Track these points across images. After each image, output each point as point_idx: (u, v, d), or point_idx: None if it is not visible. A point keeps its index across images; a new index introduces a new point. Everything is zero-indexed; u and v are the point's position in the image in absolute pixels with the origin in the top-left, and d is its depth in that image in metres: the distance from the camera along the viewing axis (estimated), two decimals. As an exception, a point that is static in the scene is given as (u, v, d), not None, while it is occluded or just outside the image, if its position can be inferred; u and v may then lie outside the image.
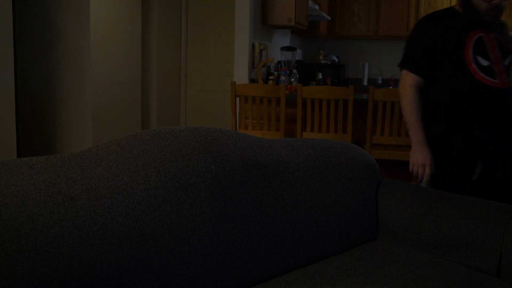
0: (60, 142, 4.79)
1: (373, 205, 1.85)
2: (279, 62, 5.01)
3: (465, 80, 1.93)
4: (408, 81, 2.05)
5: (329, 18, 5.86)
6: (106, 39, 4.77)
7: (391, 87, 6.14)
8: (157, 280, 1.26)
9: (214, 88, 6.10)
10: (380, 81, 6.80)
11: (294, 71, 4.69)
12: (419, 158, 2.02)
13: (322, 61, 6.48)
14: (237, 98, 3.76)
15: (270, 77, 4.66)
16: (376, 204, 1.88)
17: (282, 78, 4.50)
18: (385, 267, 1.53)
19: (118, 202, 1.21)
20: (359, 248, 1.72)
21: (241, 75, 4.51)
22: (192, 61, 6.18)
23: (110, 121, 4.95)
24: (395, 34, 6.47)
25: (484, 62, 1.92)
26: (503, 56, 1.99)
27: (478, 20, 1.97)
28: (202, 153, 1.41)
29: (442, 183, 2.02)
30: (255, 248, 1.48)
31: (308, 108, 3.35)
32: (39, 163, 1.18)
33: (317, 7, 5.46)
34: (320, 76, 5.98)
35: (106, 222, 1.18)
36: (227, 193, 1.42)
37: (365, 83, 6.78)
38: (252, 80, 4.60)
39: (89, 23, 4.49)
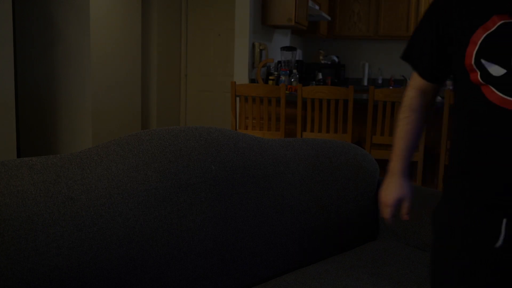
0: (60, 142, 4.79)
1: (373, 205, 1.85)
2: (279, 62, 5.01)
3: (472, 99, 1.14)
4: (411, 80, 1.37)
5: (329, 18, 5.85)
6: (106, 39, 4.77)
7: (391, 87, 6.14)
8: (157, 280, 1.26)
9: (214, 88, 6.10)
10: (380, 81, 6.80)
11: (294, 71, 4.69)
12: (381, 191, 1.37)
13: (322, 61, 6.48)
14: (237, 98, 3.76)
15: (270, 77, 4.66)
16: (376, 204, 1.88)
17: (282, 78, 4.50)
18: (385, 267, 1.53)
19: (118, 202, 1.21)
20: (359, 248, 1.72)
21: (241, 75, 4.51)
22: (192, 61, 6.18)
23: (110, 121, 4.94)
24: (395, 34, 6.47)
25: (497, 70, 1.09)
26: None
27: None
28: (202, 153, 1.41)
29: (448, 254, 1.15)
30: (255, 248, 1.48)
31: (308, 108, 3.35)
32: (39, 163, 1.18)
33: (317, 7, 5.46)
34: (320, 76, 5.98)
35: (106, 222, 1.18)
36: (227, 193, 1.42)
37: (365, 83, 6.78)
38: (252, 80, 4.60)
39: (89, 23, 4.49)
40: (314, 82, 5.75)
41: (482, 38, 1.11)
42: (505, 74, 1.08)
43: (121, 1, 5.00)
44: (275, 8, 4.66)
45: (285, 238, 1.56)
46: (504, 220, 1.06)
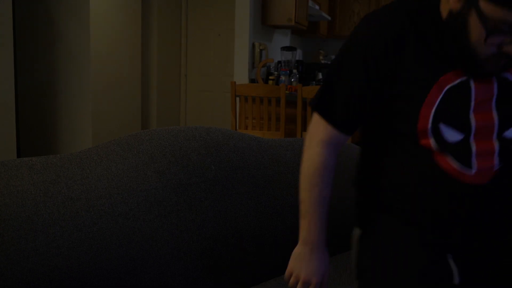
0: (60, 142, 4.79)
1: (373, 205, 1.85)
2: (279, 62, 5.01)
3: (419, 162, 1.01)
4: (320, 134, 1.11)
5: (329, 18, 5.85)
6: (106, 39, 4.77)
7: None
8: (157, 280, 1.26)
9: (214, 88, 6.10)
10: (380, 81, 6.80)
11: (294, 71, 4.69)
12: (301, 269, 1.14)
13: (322, 61, 6.48)
14: (237, 98, 3.76)
15: (270, 77, 4.66)
16: (376, 204, 1.87)
17: (282, 78, 4.50)
18: (385, 267, 1.53)
19: (118, 202, 1.21)
20: (359, 248, 1.72)
21: (241, 75, 4.51)
22: (192, 61, 6.18)
23: (110, 121, 4.95)
24: (395, 34, 6.46)
25: (453, 135, 0.96)
26: (503, 122, 0.97)
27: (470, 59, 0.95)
28: (202, 153, 1.41)
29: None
30: (255, 248, 1.47)
31: (308, 108, 3.34)
32: (39, 163, 1.18)
33: (317, 7, 5.46)
34: (320, 76, 5.98)
35: (106, 222, 1.18)
36: (227, 193, 1.42)
37: (365, 83, 6.78)
38: (252, 80, 4.60)
39: (89, 22, 4.49)
40: (314, 82, 5.74)
41: (439, 99, 0.96)
42: (462, 140, 0.96)
43: (121, 1, 5.00)
44: (275, 8, 4.66)
45: (285, 238, 1.55)
46: (450, 256, 1.00)
